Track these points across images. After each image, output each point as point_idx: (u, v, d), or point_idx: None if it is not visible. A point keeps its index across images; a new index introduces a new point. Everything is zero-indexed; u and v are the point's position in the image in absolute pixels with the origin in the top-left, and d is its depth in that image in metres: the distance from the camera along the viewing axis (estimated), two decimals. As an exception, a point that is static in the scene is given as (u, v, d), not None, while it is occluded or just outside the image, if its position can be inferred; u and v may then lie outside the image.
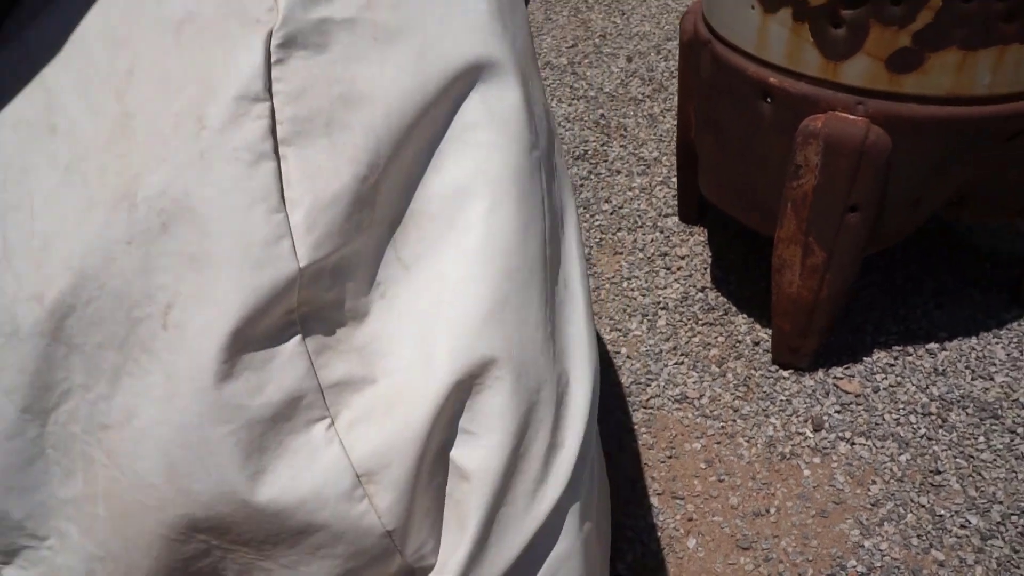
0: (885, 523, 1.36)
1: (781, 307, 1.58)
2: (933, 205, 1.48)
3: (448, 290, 0.56)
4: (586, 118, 2.53)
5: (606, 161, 2.33)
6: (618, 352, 1.75)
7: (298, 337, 0.52)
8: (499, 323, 0.56)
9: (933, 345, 1.66)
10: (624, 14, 3.17)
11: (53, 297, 0.50)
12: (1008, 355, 1.62)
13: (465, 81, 0.61)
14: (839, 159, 1.37)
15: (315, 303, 0.53)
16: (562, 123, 2.52)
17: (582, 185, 2.25)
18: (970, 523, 1.34)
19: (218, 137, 0.50)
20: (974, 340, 1.66)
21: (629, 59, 2.83)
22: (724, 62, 1.50)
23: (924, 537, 1.33)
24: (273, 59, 0.52)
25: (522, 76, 0.67)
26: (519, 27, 0.72)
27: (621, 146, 2.39)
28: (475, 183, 0.59)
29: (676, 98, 2.55)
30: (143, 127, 0.52)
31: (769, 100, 1.43)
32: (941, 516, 1.36)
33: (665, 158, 2.31)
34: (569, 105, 2.61)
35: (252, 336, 0.50)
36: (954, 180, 1.44)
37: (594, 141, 2.42)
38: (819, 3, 1.30)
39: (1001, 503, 1.37)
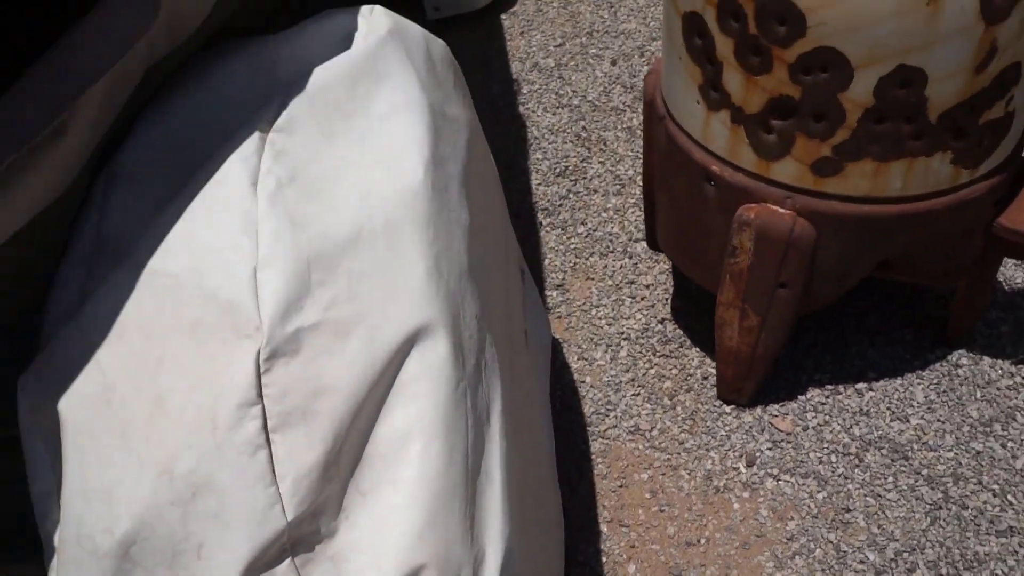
0: (796, 556, 1.60)
1: (723, 356, 1.79)
2: (859, 276, 1.67)
3: (392, 513, 0.77)
4: (568, 130, 2.68)
5: (585, 178, 2.50)
6: (583, 381, 1.97)
7: (289, 559, 0.74)
8: (429, 537, 0.78)
9: (862, 385, 1.87)
10: (612, 7, 3.27)
11: (120, 533, 0.72)
12: (926, 397, 1.83)
13: (406, 348, 0.81)
14: (769, 246, 1.55)
15: (300, 535, 0.74)
16: (546, 135, 2.68)
17: (560, 205, 2.43)
18: (868, 559, 1.58)
19: (227, 435, 0.71)
20: (898, 381, 1.87)
21: (613, 62, 2.96)
22: (675, 141, 1.67)
23: (827, 571, 1.57)
24: (262, 369, 0.72)
25: (453, 319, 0.87)
26: (452, 266, 0.91)
27: (600, 162, 2.55)
28: (412, 427, 0.79)
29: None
30: (174, 412, 0.73)
31: (712, 184, 1.61)
32: (844, 552, 1.60)
33: (639, 177, 2.48)
34: (553, 115, 2.76)
35: (258, 565, 0.72)
36: (875, 257, 1.62)
37: (575, 156, 2.58)
38: (752, 112, 1.47)
39: (897, 540, 1.60)
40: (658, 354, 1.99)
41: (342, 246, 0.82)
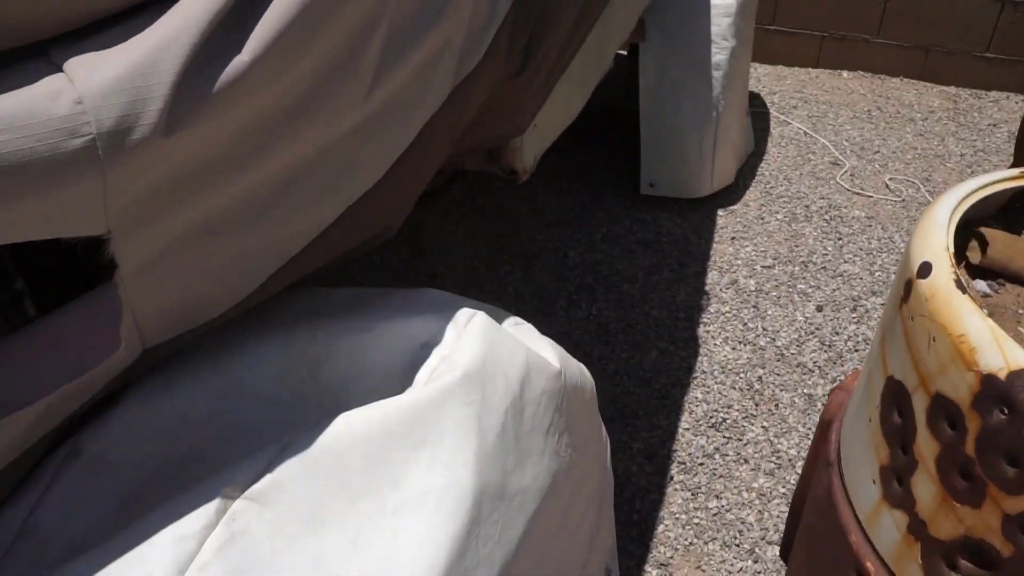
0: None
1: None
2: None
3: None
4: (741, 375, 2.36)
5: (740, 440, 2.17)
6: None
7: None
8: None
9: None
10: (840, 239, 2.93)
11: None
12: None
13: None
14: None
15: None
16: (715, 371, 2.37)
17: (701, 464, 2.10)
18: None
19: None
20: None
21: (820, 308, 2.61)
22: (835, 503, 1.34)
23: None
24: None
25: None
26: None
27: (763, 426, 2.21)
28: None
29: (846, 379, 2.32)
30: None
31: (863, 580, 1.26)
32: None
33: (801, 462, 2.11)
34: (732, 350, 2.45)
35: None
36: None
37: (737, 409, 2.25)
38: (938, 536, 1.12)
39: None
40: None
41: None
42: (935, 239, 1.15)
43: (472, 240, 2.98)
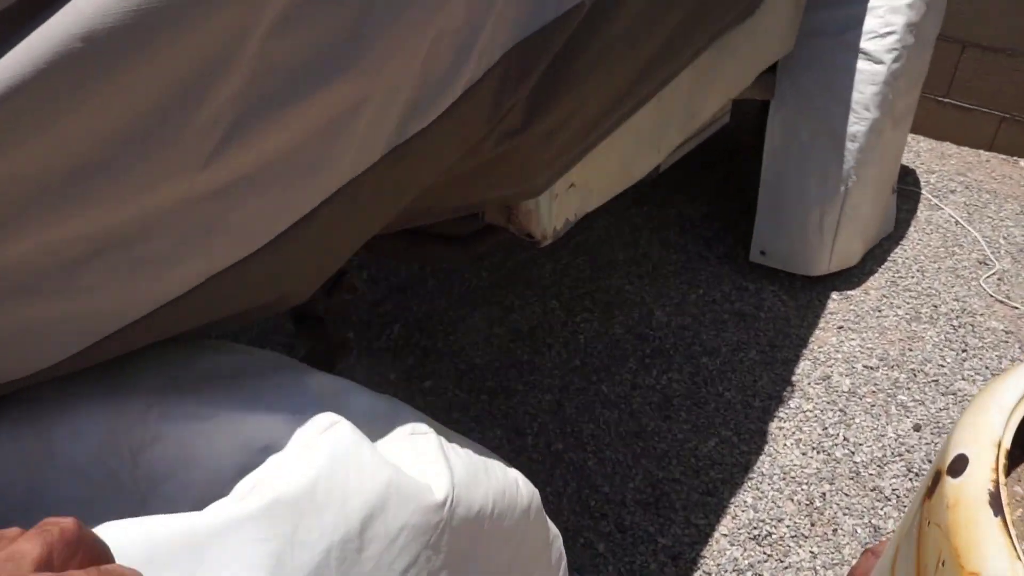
0: None
1: None
2: None
3: None
4: (804, 486, 2.09)
5: (780, 563, 1.91)
6: None
7: None
8: None
9: None
10: (965, 350, 2.58)
11: None
12: None
13: None
14: None
15: None
16: (774, 476, 2.11)
17: (735, 571, 1.87)
18: None
19: None
20: None
21: (917, 427, 2.29)
22: None
23: None
24: None
25: None
26: None
27: (812, 552, 1.94)
28: None
29: (880, 542, 2.01)
30: None
31: None
32: None
33: (845, 607, 1.84)
34: (802, 455, 2.18)
35: None
36: None
37: (788, 526, 1.99)
38: None
39: None
40: None
41: None
42: (984, 426, 0.90)
43: (558, 279, 2.82)
